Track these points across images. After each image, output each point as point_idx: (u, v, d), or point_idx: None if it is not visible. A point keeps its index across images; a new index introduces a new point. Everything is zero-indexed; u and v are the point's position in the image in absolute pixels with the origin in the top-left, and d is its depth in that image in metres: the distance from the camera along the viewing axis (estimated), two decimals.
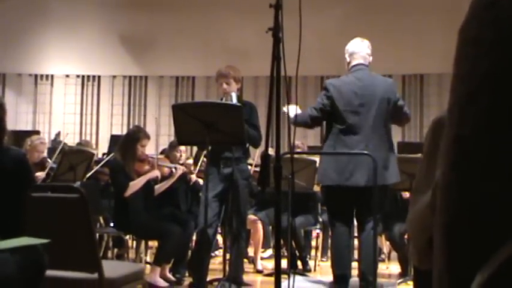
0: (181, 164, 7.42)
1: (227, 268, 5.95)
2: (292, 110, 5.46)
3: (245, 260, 7.01)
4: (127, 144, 6.61)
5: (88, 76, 14.90)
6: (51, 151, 9.29)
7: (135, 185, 6.47)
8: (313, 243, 8.73)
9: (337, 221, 5.58)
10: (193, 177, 7.52)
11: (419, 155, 5.96)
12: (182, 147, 7.73)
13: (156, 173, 6.75)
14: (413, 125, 13.69)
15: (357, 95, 5.51)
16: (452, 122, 0.71)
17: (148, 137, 6.73)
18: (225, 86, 5.92)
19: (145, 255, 7.61)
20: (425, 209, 1.43)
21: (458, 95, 0.71)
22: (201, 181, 7.86)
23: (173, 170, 7.06)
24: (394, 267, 7.78)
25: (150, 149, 7.08)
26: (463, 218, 0.69)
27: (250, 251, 8.09)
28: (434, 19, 12.95)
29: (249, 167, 6.73)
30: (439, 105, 13.20)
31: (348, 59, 5.75)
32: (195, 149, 10.83)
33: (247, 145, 5.90)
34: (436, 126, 1.57)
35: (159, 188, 6.96)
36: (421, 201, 1.50)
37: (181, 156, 7.77)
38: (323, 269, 7.80)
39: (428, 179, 1.45)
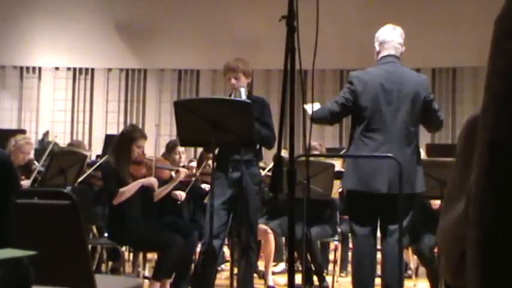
0: (183, 167, 7.43)
1: (235, 284, 5.96)
2: (310, 108, 5.48)
3: (255, 275, 7.01)
4: (121, 145, 6.63)
5: (80, 69, 14.95)
6: (38, 153, 9.33)
7: (128, 191, 6.47)
8: (331, 256, 8.72)
9: (359, 230, 5.58)
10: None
11: (451, 158, 5.95)
12: (181, 148, 7.73)
13: (150, 181, 6.71)
14: (445, 124, 13.57)
15: (385, 90, 5.49)
16: (487, 124, 0.70)
17: (145, 137, 6.74)
18: (233, 80, 5.93)
19: (144, 269, 7.63)
20: (458, 218, 1.42)
21: (493, 93, 0.70)
22: (204, 186, 7.88)
23: (173, 174, 7.07)
24: (423, 285, 7.77)
25: (149, 151, 7.10)
26: (499, 231, 0.69)
27: (261, 265, 8.10)
28: (469, 7, 12.93)
29: (261, 171, 6.73)
30: (473, 102, 13.18)
31: (377, 48, 5.72)
32: (199, 150, 10.85)
33: (258, 146, 5.90)
34: (471, 126, 1.57)
35: (159, 193, 6.97)
36: (454, 209, 1.50)
37: (180, 158, 7.78)
38: (342, 286, 7.80)
39: (462, 186, 1.44)
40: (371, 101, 5.49)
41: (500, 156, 0.68)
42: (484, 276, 0.71)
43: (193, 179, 7.53)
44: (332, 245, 8.50)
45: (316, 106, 5.55)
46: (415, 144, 5.56)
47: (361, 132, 5.51)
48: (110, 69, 14.91)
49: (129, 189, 6.50)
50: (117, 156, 6.58)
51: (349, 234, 6.31)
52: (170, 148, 7.85)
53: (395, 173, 5.19)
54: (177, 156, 7.72)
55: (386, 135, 5.45)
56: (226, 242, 7.27)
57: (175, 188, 7.16)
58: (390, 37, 5.68)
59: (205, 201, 6.95)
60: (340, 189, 7.60)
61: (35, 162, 7.80)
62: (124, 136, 6.76)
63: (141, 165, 6.73)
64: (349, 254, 7.41)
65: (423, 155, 6.58)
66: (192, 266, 6.83)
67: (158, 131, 13.27)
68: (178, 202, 7.35)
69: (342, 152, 7.88)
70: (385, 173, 5.35)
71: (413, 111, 5.52)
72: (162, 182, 7.09)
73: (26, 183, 7.18)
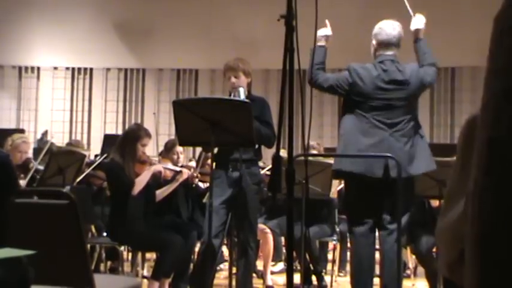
0: (182, 167, 7.42)
1: (233, 283, 5.96)
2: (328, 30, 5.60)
3: (253, 275, 7.01)
4: (126, 143, 6.63)
5: (79, 68, 14.93)
6: (36, 152, 9.33)
7: (141, 181, 6.53)
8: (330, 256, 8.71)
9: (358, 229, 5.57)
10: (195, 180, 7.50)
11: (450, 158, 5.94)
12: (180, 148, 7.72)
13: (160, 168, 6.78)
14: (444, 123, 13.68)
15: (383, 82, 5.49)
16: (486, 122, 0.70)
17: (149, 136, 6.75)
18: (233, 79, 5.93)
19: (142, 268, 7.63)
20: (459, 217, 1.42)
21: (493, 91, 0.70)
22: (201, 184, 7.88)
23: (175, 173, 7.07)
24: (421, 284, 7.77)
25: (148, 150, 7.09)
26: (498, 228, 0.69)
27: (259, 265, 8.10)
28: (468, 6, 12.92)
29: (260, 170, 6.72)
30: (472, 102, 13.17)
31: (374, 44, 5.73)
32: (198, 149, 10.85)
33: (257, 145, 5.89)
34: (470, 126, 1.57)
35: (161, 193, 6.97)
36: (454, 209, 1.50)
37: (179, 158, 7.76)
38: (340, 285, 7.80)
39: (462, 186, 1.44)
40: (367, 94, 5.48)
41: (499, 154, 0.68)
42: (482, 275, 0.71)
43: (197, 180, 7.51)
44: (331, 245, 8.50)
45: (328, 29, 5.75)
46: (415, 129, 5.55)
47: (358, 117, 5.49)
48: (108, 69, 14.90)
49: (142, 179, 6.55)
50: (123, 154, 6.58)
51: (348, 234, 6.29)
52: (169, 148, 7.83)
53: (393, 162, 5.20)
54: (176, 156, 7.70)
55: (385, 123, 5.44)
56: (225, 242, 7.27)
57: (173, 193, 7.17)
58: (387, 32, 5.68)
59: (204, 200, 6.94)
60: (339, 187, 7.60)
61: (33, 161, 7.79)
62: (129, 135, 6.77)
63: (145, 164, 6.74)
64: (348, 253, 7.41)
65: None
66: (191, 265, 6.83)
67: (157, 126, 13.28)
68: (193, 185, 7.38)
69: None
70: (381, 160, 5.34)
71: (412, 104, 5.53)
72: (164, 182, 7.09)
73: (21, 182, 7.18)
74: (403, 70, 5.63)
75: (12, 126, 14.29)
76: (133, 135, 6.67)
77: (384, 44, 5.66)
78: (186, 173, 7.05)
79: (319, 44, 5.60)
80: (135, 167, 6.62)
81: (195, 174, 7.35)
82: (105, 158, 7.90)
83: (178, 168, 7.16)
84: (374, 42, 5.73)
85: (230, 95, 5.92)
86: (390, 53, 5.64)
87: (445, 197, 1.63)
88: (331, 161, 7.14)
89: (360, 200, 5.55)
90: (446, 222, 1.55)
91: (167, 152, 7.83)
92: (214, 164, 5.60)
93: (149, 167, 6.71)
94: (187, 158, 10.88)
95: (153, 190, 6.87)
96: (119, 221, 6.51)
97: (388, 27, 5.71)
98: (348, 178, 5.64)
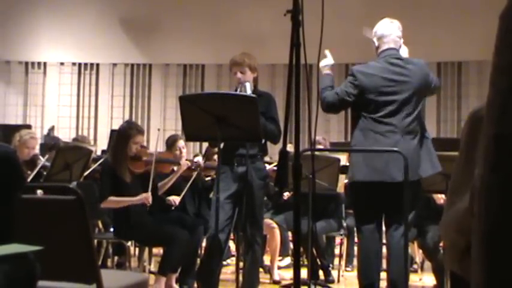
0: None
1: (240, 278, 5.96)
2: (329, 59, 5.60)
3: (260, 270, 7.01)
4: (118, 143, 6.62)
5: (85, 64, 14.95)
6: (43, 147, 9.34)
7: (116, 202, 6.45)
8: (337, 250, 8.71)
9: (365, 224, 5.57)
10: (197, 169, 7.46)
11: (456, 152, 5.92)
12: (181, 144, 7.70)
13: (143, 200, 6.50)
14: (450, 118, 13.65)
15: (390, 81, 5.50)
16: (492, 119, 0.70)
17: (141, 133, 6.71)
18: (239, 75, 5.93)
19: (149, 263, 7.64)
20: (463, 212, 1.42)
21: (498, 88, 0.70)
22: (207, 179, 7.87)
23: (175, 168, 7.05)
24: (428, 279, 7.76)
25: (154, 147, 7.08)
26: (506, 225, 0.69)
27: (266, 259, 8.10)
28: (474, 0, 12.88)
29: (266, 165, 6.72)
30: (478, 97, 13.15)
31: (376, 43, 5.73)
32: (205, 144, 10.85)
33: (264, 141, 5.89)
34: (473, 120, 1.57)
35: (162, 185, 6.95)
36: (458, 203, 1.49)
37: (181, 153, 7.73)
38: (347, 280, 7.80)
39: (466, 180, 1.44)
40: (376, 93, 5.49)
41: (506, 150, 0.68)
42: (489, 271, 0.71)
43: (196, 171, 7.45)
44: (338, 239, 8.50)
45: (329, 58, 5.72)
46: (421, 132, 5.56)
47: (368, 123, 5.50)
48: (115, 64, 14.91)
49: (118, 202, 6.42)
50: (115, 154, 6.59)
51: (355, 229, 6.29)
52: (170, 144, 7.81)
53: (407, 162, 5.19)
54: (178, 152, 7.67)
55: (395, 124, 5.45)
56: (232, 237, 7.27)
57: (175, 186, 7.14)
58: (389, 31, 5.68)
59: (211, 195, 6.94)
60: (346, 181, 7.59)
61: (40, 157, 7.80)
62: (120, 133, 6.73)
63: (140, 160, 6.69)
64: (355, 248, 7.41)
65: None
66: (198, 260, 6.84)
67: (164, 126, 13.30)
68: (172, 208, 7.26)
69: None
70: (398, 161, 5.32)
71: (418, 100, 5.54)
72: (164, 176, 7.07)
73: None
74: (407, 61, 5.63)
75: (19, 121, 14.32)
76: (125, 134, 6.62)
77: (385, 39, 5.67)
78: (185, 164, 7.02)
79: (324, 72, 5.67)
80: (129, 164, 6.58)
81: (196, 162, 7.29)
82: (106, 156, 7.90)
83: (176, 161, 7.14)
84: (375, 39, 5.74)
85: (236, 90, 5.91)
86: (392, 46, 5.65)
87: (449, 191, 1.62)
88: (337, 155, 7.15)
89: (369, 204, 5.55)
90: (451, 216, 1.55)
91: (169, 148, 7.82)
92: (219, 159, 5.60)
93: (131, 198, 6.53)
94: (192, 153, 10.88)
95: (155, 184, 6.81)
96: (122, 217, 6.50)
97: (387, 23, 5.73)
98: (364, 187, 5.59)
